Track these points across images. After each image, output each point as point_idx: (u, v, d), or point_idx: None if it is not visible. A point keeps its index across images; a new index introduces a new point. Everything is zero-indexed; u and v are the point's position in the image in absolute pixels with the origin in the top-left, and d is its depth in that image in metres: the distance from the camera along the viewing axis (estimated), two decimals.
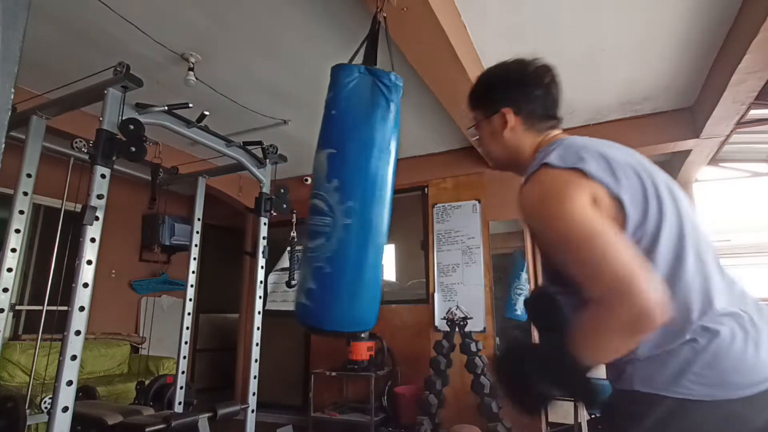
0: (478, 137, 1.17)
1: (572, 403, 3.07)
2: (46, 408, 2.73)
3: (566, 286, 0.87)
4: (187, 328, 2.80)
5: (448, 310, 3.87)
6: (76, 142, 2.37)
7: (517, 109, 1.08)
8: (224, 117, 3.64)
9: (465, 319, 3.72)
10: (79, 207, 1.69)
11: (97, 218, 1.68)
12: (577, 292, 0.82)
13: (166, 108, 2.07)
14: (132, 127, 1.78)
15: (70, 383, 1.57)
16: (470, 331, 3.71)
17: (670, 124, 3.67)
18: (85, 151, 1.80)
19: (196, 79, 2.92)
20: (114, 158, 1.76)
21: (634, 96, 3.44)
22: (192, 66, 2.88)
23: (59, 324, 1.92)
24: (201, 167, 3.18)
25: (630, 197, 0.86)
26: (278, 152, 2.71)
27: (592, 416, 3.00)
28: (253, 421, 2.47)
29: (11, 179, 2.09)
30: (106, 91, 1.81)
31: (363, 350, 4.07)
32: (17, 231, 2.09)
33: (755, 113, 3.23)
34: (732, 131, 3.43)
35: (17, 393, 3.18)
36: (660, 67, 3.06)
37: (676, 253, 0.85)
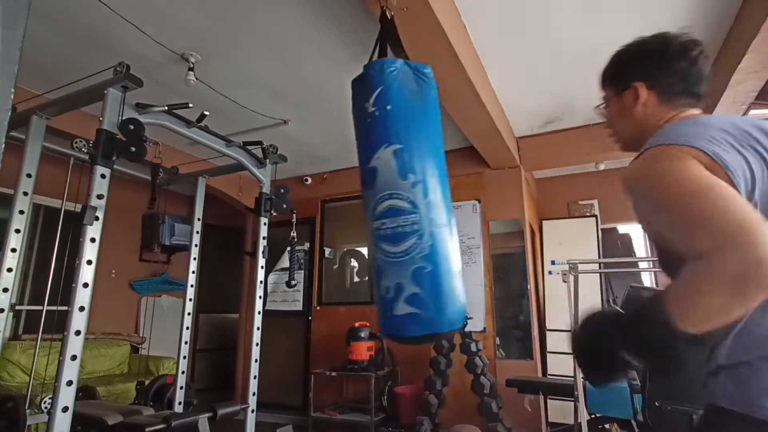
0: (606, 120, 1.12)
1: (572, 404, 3.07)
2: (46, 408, 2.73)
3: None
4: (187, 328, 2.80)
5: None
6: (76, 142, 2.37)
7: (651, 83, 1.00)
8: (224, 117, 3.64)
9: (465, 319, 3.71)
10: (79, 207, 1.69)
11: (97, 218, 1.68)
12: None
13: (166, 108, 2.07)
14: (132, 127, 1.78)
15: (70, 383, 1.57)
16: (470, 331, 3.70)
17: None
18: (85, 151, 1.80)
19: (196, 79, 2.92)
20: (114, 158, 1.76)
21: None
22: (192, 66, 2.88)
23: (59, 324, 1.92)
24: (201, 167, 3.18)
25: (745, 186, 0.77)
26: (278, 152, 2.71)
27: (593, 416, 3.00)
28: (253, 421, 2.47)
29: (11, 179, 2.09)
30: (106, 91, 1.80)
31: (363, 350, 4.07)
32: (17, 231, 2.09)
33: (755, 113, 3.23)
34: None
35: (17, 393, 3.18)
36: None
37: None
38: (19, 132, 2.16)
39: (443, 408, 3.67)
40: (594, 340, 0.85)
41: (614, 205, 4.92)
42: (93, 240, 1.67)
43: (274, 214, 2.73)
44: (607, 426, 3.12)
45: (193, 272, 2.90)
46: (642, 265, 4.64)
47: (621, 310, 0.92)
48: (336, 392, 4.55)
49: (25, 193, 2.11)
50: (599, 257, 4.53)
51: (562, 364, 4.19)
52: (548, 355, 4.35)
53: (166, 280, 5.57)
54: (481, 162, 4.25)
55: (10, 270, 2.07)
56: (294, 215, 2.91)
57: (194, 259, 2.90)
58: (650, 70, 1.00)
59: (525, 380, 3.55)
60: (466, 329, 3.68)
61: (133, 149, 1.77)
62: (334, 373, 4.13)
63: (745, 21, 2.41)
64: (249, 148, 2.59)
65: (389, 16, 1.74)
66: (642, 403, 2.26)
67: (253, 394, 2.49)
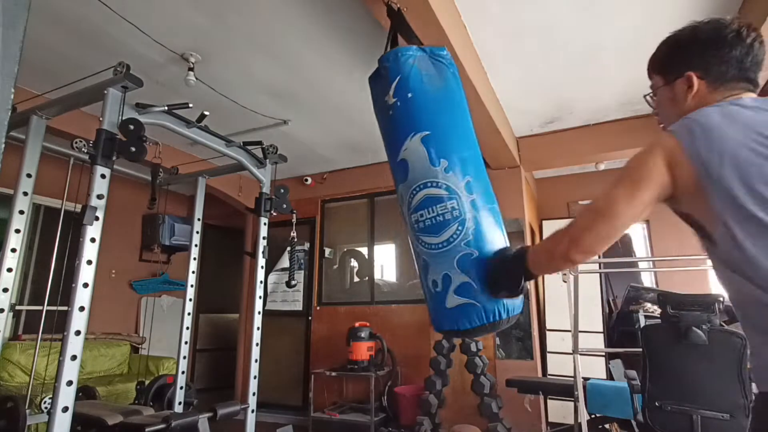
0: (655, 108, 1.11)
1: (572, 404, 3.07)
2: (46, 408, 2.73)
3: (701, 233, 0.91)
4: (187, 328, 2.80)
5: None
6: (76, 142, 2.36)
7: (704, 72, 0.97)
8: (224, 117, 3.64)
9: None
10: (79, 207, 1.69)
11: (97, 218, 1.67)
12: (705, 236, 0.87)
13: (166, 108, 2.07)
14: (132, 127, 1.78)
15: (70, 383, 1.57)
16: None
17: None
18: (85, 151, 1.79)
19: (196, 79, 2.92)
20: (114, 158, 1.75)
21: (634, 96, 3.44)
22: (192, 66, 2.88)
23: (59, 324, 1.92)
24: (201, 167, 3.18)
25: (709, 175, 0.83)
26: (278, 152, 2.71)
27: (593, 416, 3.00)
28: (253, 421, 2.47)
29: (11, 179, 2.09)
30: (106, 91, 1.80)
31: (363, 350, 4.07)
32: (17, 231, 2.09)
33: None
34: None
35: (17, 393, 3.19)
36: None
37: None
38: (19, 132, 2.16)
39: (443, 408, 3.67)
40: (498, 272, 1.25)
41: None
42: (93, 240, 1.67)
43: (274, 214, 2.73)
44: (607, 426, 3.12)
45: (193, 272, 2.89)
46: (642, 265, 4.64)
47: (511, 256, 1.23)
48: (336, 392, 4.55)
49: (25, 193, 2.11)
50: (599, 257, 4.52)
51: (562, 364, 4.19)
52: (548, 355, 4.35)
53: (166, 280, 5.57)
54: None
55: (10, 270, 2.07)
56: (294, 215, 2.91)
57: (194, 259, 2.90)
58: (703, 60, 0.98)
59: (525, 380, 3.55)
60: None
61: (133, 149, 1.76)
62: (334, 373, 4.13)
63: (744, 21, 2.41)
64: (249, 148, 2.59)
65: (396, 9, 1.73)
66: (642, 403, 2.26)
67: (253, 394, 2.49)
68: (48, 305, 2.72)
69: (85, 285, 1.64)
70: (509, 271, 1.18)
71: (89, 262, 1.66)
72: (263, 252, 2.63)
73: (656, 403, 2.15)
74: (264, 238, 2.66)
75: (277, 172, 2.80)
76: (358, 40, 2.68)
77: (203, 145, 2.39)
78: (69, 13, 2.47)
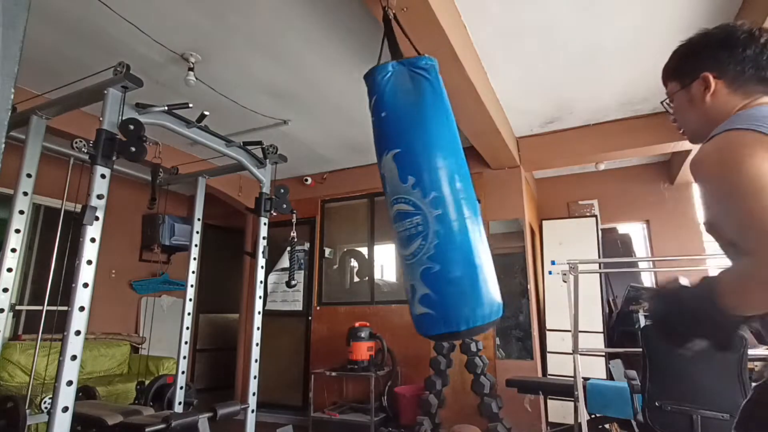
0: (673, 114, 1.11)
1: (572, 404, 3.07)
2: (46, 408, 2.73)
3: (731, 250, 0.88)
4: (187, 328, 2.80)
5: None
6: (76, 142, 2.36)
7: (719, 72, 0.98)
8: (224, 117, 3.64)
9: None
10: (79, 207, 1.69)
11: (97, 218, 1.67)
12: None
13: (166, 108, 2.07)
14: (132, 127, 1.78)
15: (70, 383, 1.57)
16: None
17: (670, 124, 3.67)
18: (85, 151, 1.79)
19: (196, 79, 2.92)
20: (114, 158, 1.75)
21: (634, 96, 3.44)
22: (192, 66, 2.88)
23: (59, 324, 1.92)
24: (201, 167, 3.18)
25: None
26: (278, 152, 2.71)
27: (593, 416, 3.00)
28: (253, 421, 2.47)
29: (11, 179, 2.09)
30: (106, 91, 1.80)
31: (363, 350, 4.07)
32: (17, 231, 2.09)
33: None
34: None
35: (17, 393, 3.19)
36: (660, 67, 3.06)
37: None
38: (19, 132, 2.16)
39: (443, 408, 3.67)
40: (671, 324, 0.92)
41: (614, 205, 4.93)
42: (93, 240, 1.67)
43: (274, 214, 2.73)
44: (607, 426, 3.12)
45: (193, 272, 2.89)
46: (642, 265, 4.64)
47: (686, 294, 0.93)
48: (336, 392, 4.55)
49: (25, 193, 2.11)
50: (599, 257, 4.53)
51: (562, 364, 4.19)
52: (548, 355, 4.35)
53: (166, 280, 5.57)
54: (481, 162, 4.25)
55: (10, 270, 2.07)
56: (294, 215, 2.91)
57: (194, 259, 2.90)
58: (717, 59, 0.99)
59: (525, 380, 3.55)
60: None
61: (133, 149, 1.76)
62: (334, 373, 4.13)
63: (744, 21, 2.41)
64: (249, 148, 2.59)
65: (390, 16, 1.74)
66: (642, 403, 2.26)
67: (253, 394, 2.49)
68: (48, 305, 2.72)
69: (85, 285, 1.64)
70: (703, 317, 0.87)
71: (89, 262, 1.66)
72: (263, 252, 2.63)
73: (656, 403, 2.15)
74: (264, 238, 2.66)
75: (277, 172, 2.80)
76: (358, 40, 2.68)
77: (203, 145, 2.39)
78: (69, 13, 2.47)
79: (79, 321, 1.62)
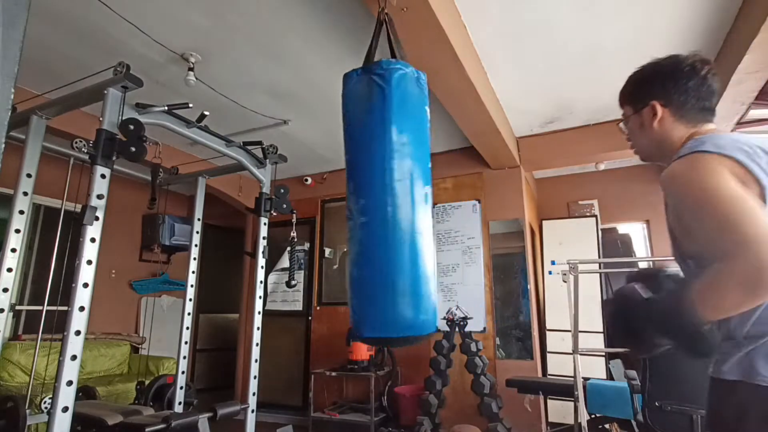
0: (627, 135, 1.22)
1: (572, 404, 3.07)
2: (46, 408, 2.73)
3: (690, 263, 0.98)
4: (187, 328, 2.80)
5: (448, 310, 3.87)
6: (76, 142, 2.36)
7: (666, 101, 1.10)
8: (224, 117, 3.64)
9: (465, 319, 3.72)
10: (79, 207, 1.69)
11: (97, 218, 1.67)
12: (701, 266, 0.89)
13: (166, 108, 2.07)
14: (132, 127, 1.78)
15: (70, 383, 1.57)
16: (470, 331, 3.70)
17: None
18: (85, 151, 1.79)
19: (196, 79, 2.92)
20: (114, 158, 1.76)
21: None
22: (192, 66, 2.88)
23: (59, 324, 1.92)
24: (201, 167, 3.18)
25: None
26: (278, 152, 2.71)
27: (593, 416, 3.00)
28: (253, 421, 2.47)
29: (11, 179, 2.09)
30: (106, 91, 1.80)
31: (363, 350, 4.07)
32: (17, 231, 2.09)
33: (755, 113, 3.23)
34: (732, 131, 3.43)
35: (17, 393, 3.19)
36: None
37: None
38: (19, 132, 2.16)
39: (443, 408, 3.67)
40: (629, 324, 0.99)
41: (614, 205, 4.93)
42: (93, 240, 1.67)
43: (274, 214, 2.73)
44: (607, 426, 3.12)
45: (193, 272, 2.89)
46: (642, 265, 4.64)
47: (644, 295, 0.98)
48: (336, 392, 4.55)
49: (25, 193, 2.11)
50: (599, 257, 4.53)
51: (562, 364, 4.19)
52: (548, 355, 4.35)
53: (166, 280, 5.57)
54: (481, 162, 4.25)
55: (10, 270, 2.07)
56: (294, 215, 2.91)
57: (194, 259, 2.90)
58: (664, 88, 1.10)
59: (525, 380, 3.55)
60: (466, 329, 3.68)
61: (133, 149, 1.77)
62: (334, 373, 4.13)
63: (745, 21, 2.41)
64: (249, 148, 2.59)
65: (382, 17, 1.73)
66: (642, 403, 2.26)
67: (253, 394, 2.49)
68: (48, 305, 2.72)
69: (85, 285, 1.64)
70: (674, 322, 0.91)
71: (89, 262, 1.66)
72: (263, 252, 2.63)
73: (656, 403, 2.15)
74: (264, 238, 2.67)
75: (277, 172, 2.80)
76: (358, 40, 2.68)
77: (203, 145, 2.40)
78: (69, 13, 2.47)
79: (79, 321, 1.62)
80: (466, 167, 4.43)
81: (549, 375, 4.25)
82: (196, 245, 2.90)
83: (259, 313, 2.60)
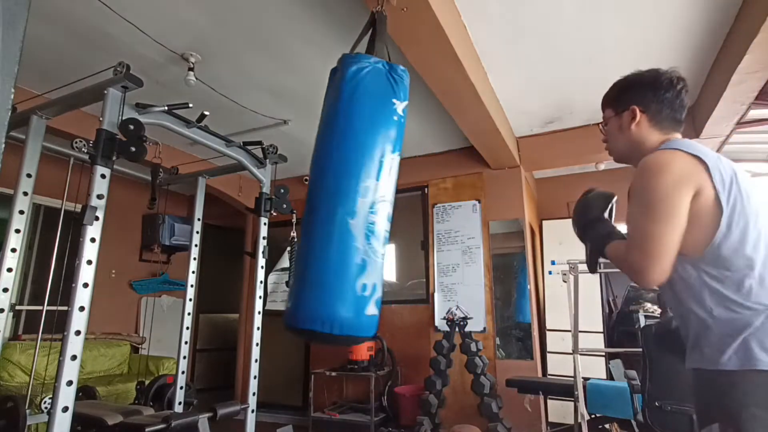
0: (605, 135, 1.38)
1: (572, 404, 3.07)
2: (46, 408, 2.73)
3: None
4: (187, 328, 2.80)
5: (448, 310, 3.87)
6: (76, 142, 2.36)
7: (645, 107, 1.25)
8: (224, 117, 3.64)
9: (465, 319, 3.72)
10: (79, 207, 1.69)
11: (97, 218, 1.67)
12: None
13: (166, 108, 2.07)
14: (132, 127, 1.78)
15: (70, 383, 1.57)
16: (470, 331, 3.71)
17: None
18: (85, 151, 1.79)
19: (196, 79, 2.92)
20: (114, 158, 1.75)
21: None
22: (192, 66, 2.88)
23: (59, 324, 1.92)
24: (201, 167, 3.18)
25: (727, 198, 1.07)
26: (278, 152, 2.71)
27: (593, 416, 3.00)
28: (253, 421, 2.47)
29: (11, 179, 2.09)
30: (106, 91, 1.80)
31: (363, 350, 4.07)
32: (17, 231, 2.09)
33: (755, 113, 3.23)
34: (732, 131, 3.43)
35: (17, 393, 3.19)
36: (660, 67, 3.06)
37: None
38: (19, 132, 2.16)
39: (443, 408, 3.67)
40: (584, 213, 1.37)
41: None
42: (93, 240, 1.67)
43: (274, 214, 2.73)
44: (607, 426, 3.12)
45: (193, 272, 2.89)
46: None
47: (604, 214, 1.34)
48: (336, 392, 4.55)
49: (25, 193, 2.11)
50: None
51: (562, 364, 4.19)
52: (548, 355, 4.35)
53: (166, 280, 5.57)
54: (481, 162, 4.25)
55: (10, 270, 2.07)
56: (294, 215, 2.91)
57: (194, 259, 2.90)
58: (644, 96, 1.26)
59: (525, 380, 3.55)
60: (466, 329, 3.68)
61: (133, 149, 1.76)
62: (334, 373, 4.13)
63: (745, 21, 2.41)
64: (249, 148, 2.59)
65: (375, 17, 1.73)
66: (642, 403, 2.26)
67: (253, 394, 2.49)
68: (48, 305, 2.72)
69: (85, 285, 1.64)
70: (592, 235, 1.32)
71: (89, 262, 1.66)
72: (263, 252, 2.63)
73: (656, 403, 2.15)
74: (264, 238, 2.66)
75: (277, 172, 2.80)
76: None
77: (203, 145, 2.39)
78: (69, 13, 2.47)
79: (79, 321, 1.62)
80: (466, 167, 4.43)
81: (549, 375, 4.25)
82: (196, 245, 2.90)
83: (259, 313, 2.60)
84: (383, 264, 1.44)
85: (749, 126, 3.40)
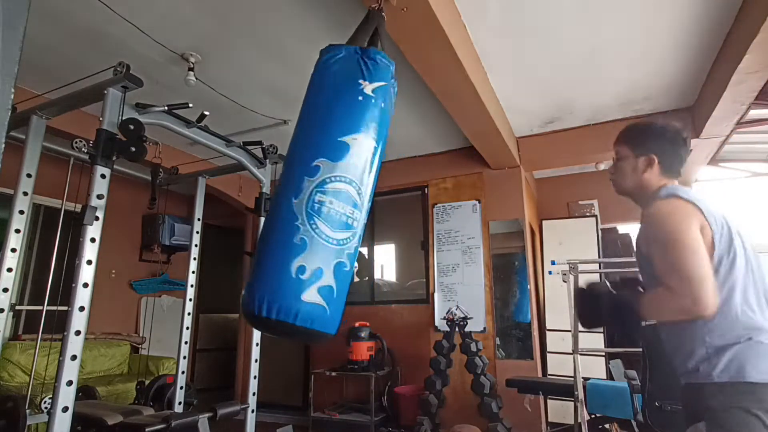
0: (615, 166, 1.49)
1: (572, 404, 3.07)
2: (46, 408, 2.73)
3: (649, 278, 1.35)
4: (187, 328, 2.80)
5: (448, 310, 3.87)
6: (76, 142, 2.36)
7: (660, 158, 1.39)
8: (224, 117, 3.64)
9: (465, 319, 3.72)
10: (79, 207, 1.69)
11: (97, 218, 1.67)
12: (654, 281, 1.27)
13: (166, 108, 2.07)
14: (132, 127, 1.78)
15: (70, 383, 1.57)
16: (470, 331, 3.71)
17: None
18: (85, 151, 1.79)
19: (196, 79, 2.92)
20: (114, 158, 1.76)
21: (634, 96, 3.44)
22: (192, 66, 2.88)
23: (59, 324, 1.92)
24: (201, 167, 3.18)
25: (719, 237, 1.22)
26: (278, 152, 2.71)
27: (593, 416, 3.00)
28: (253, 421, 2.47)
29: (11, 179, 2.09)
30: (106, 91, 1.80)
31: (363, 350, 4.07)
32: (17, 231, 2.09)
33: (755, 113, 3.23)
34: (732, 131, 3.43)
35: (17, 393, 3.18)
36: (660, 67, 3.07)
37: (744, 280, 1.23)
38: (19, 132, 2.16)
39: (443, 408, 3.68)
40: (592, 303, 1.37)
41: (614, 205, 4.92)
42: (93, 240, 1.67)
43: None
44: (607, 426, 3.12)
45: (193, 272, 2.89)
46: None
47: (611, 290, 1.39)
48: (336, 392, 4.55)
49: (25, 193, 2.11)
50: (599, 257, 4.53)
51: (562, 364, 4.19)
52: (548, 355, 4.35)
53: (166, 280, 5.57)
54: (481, 162, 4.25)
55: (10, 270, 2.07)
56: None
57: (194, 259, 2.89)
58: (663, 149, 1.40)
59: (525, 380, 3.55)
60: (466, 329, 3.68)
61: (133, 149, 1.76)
62: (334, 373, 4.13)
63: (745, 21, 2.41)
64: (249, 148, 2.59)
65: (370, 16, 1.73)
66: (642, 403, 2.26)
67: (253, 394, 2.49)
68: (48, 305, 2.72)
69: (85, 285, 1.64)
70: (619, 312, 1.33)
71: (89, 262, 1.66)
72: None
73: (656, 403, 2.15)
74: None
75: (277, 171, 2.80)
76: None
77: (203, 145, 2.39)
78: (69, 13, 2.47)
79: (79, 321, 1.62)
80: (466, 167, 4.43)
81: (549, 375, 4.25)
82: (196, 245, 2.90)
83: None
84: (344, 250, 1.34)
85: (749, 126, 3.40)
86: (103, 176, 1.72)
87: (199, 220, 2.93)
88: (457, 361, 3.79)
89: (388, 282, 4.92)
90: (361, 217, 1.40)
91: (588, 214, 4.98)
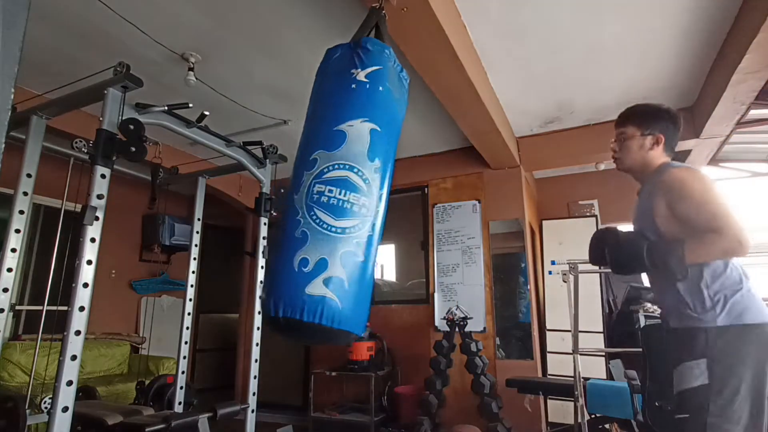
0: (619, 144, 1.62)
1: (572, 404, 3.07)
2: (46, 408, 2.73)
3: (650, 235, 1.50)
4: (187, 328, 2.80)
5: (448, 310, 3.87)
6: (76, 142, 2.36)
7: (665, 137, 1.56)
8: (224, 117, 3.64)
9: (465, 319, 3.72)
10: (79, 207, 1.69)
11: (97, 218, 1.67)
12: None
13: (166, 108, 2.07)
14: (132, 127, 1.78)
15: (70, 383, 1.57)
16: (470, 331, 3.71)
17: None
18: (85, 151, 1.79)
19: (196, 79, 2.92)
20: (114, 158, 1.75)
21: (634, 96, 3.43)
22: (192, 66, 2.88)
23: (59, 324, 1.92)
24: (201, 167, 3.18)
25: None
26: (278, 152, 2.71)
27: (593, 416, 3.00)
28: (253, 421, 2.47)
29: (11, 179, 2.09)
30: (106, 91, 1.80)
31: (363, 350, 4.07)
32: (17, 231, 2.09)
33: (755, 113, 3.23)
34: (732, 131, 3.43)
35: (17, 393, 3.19)
36: (660, 67, 3.07)
37: None
38: (19, 132, 2.16)
39: (443, 408, 3.67)
40: (629, 248, 1.47)
41: (614, 205, 4.92)
42: (93, 240, 1.67)
43: (274, 214, 2.73)
44: (607, 426, 3.12)
45: (193, 272, 2.89)
46: None
47: (647, 237, 1.48)
48: (336, 392, 4.55)
49: (25, 193, 2.11)
50: None
51: (562, 364, 4.19)
52: (548, 355, 4.35)
53: (166, 280, 5.57)
54: (481, 162, 4.25)
55: (10, 270, 2.07)
56: None
57: (194, 259, 2.90)
58: (668, 129, 1.57)
59: (525, 380, 3.55)
60: (466, 329, 3.68)
61: (133, 149, 1.76)
62: (334, 373, 4.13)
63: (745, 21, 2.41)
64: (249, 148, 2.59)
65: (371, 14, 1.73)
66: (642, 403, 2.26)
67: (253, 394, 2.49)
68: (48, 305, 2.72)
69: (85, 285, 1.64)
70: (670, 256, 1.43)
71: (89, 262, 1.66)
72: (263, 252, 2.63)
73: (656, 403, 2.15)
74: (264, 238, 2.67)
75: (277, 172, 2.80)
76: None
77: (203, 145, 2.40)
78: (69, 13, 2.47)
79: (79, 321, 1.62)
80: (466, 167, 4.43)
81: (549, 375, 4.25)
82: (196, 245, 2.90)
83: (259, 313, 2.60)
84: (352, 239, 1.29)
85: (749, 126, 3.40)
86: (103, 176, 1.72)
87: (199, 220, 2.93)
88: (457, 361, 3.79)
89: (388, 282, 4.92)
90: (370, 203, 1.34)
91: (588, 214, 4.98)
